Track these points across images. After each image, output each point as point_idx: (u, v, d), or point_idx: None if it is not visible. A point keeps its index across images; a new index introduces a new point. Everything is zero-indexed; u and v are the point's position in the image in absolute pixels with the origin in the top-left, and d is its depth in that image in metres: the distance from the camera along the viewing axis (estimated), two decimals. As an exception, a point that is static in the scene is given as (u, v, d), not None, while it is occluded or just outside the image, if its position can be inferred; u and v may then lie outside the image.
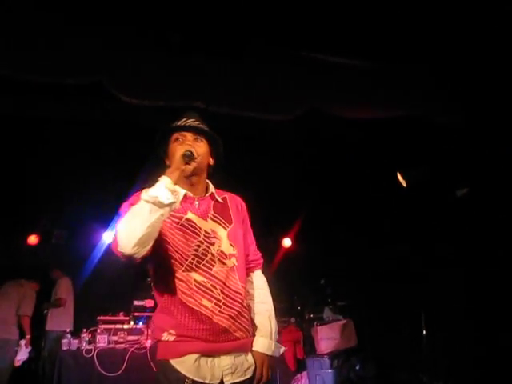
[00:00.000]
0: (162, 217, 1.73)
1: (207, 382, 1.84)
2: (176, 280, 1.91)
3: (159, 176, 1.79)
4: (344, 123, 4.16)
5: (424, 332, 4.93)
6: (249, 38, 3.63)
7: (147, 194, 1.72)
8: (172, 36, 3.52)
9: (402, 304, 5.49)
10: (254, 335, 2.03)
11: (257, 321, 2.08)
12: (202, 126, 2.05)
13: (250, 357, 1.98)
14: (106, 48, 3.40)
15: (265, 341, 2.02)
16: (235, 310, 1.93)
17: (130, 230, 1.71)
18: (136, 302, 6.07)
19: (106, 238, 6.60)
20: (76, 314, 6.48)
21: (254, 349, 1.99)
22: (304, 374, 6.22)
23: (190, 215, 1.97)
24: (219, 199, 2.08)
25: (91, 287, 6.59)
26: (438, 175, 5.16)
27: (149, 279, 2.00)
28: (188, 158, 1.86)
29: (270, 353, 2.01)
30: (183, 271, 1.90)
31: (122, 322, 5.85)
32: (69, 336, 5.48)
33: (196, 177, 2.01)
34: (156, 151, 2.12)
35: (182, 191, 1.85)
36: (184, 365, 1.84)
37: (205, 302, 1.88)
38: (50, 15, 3.22)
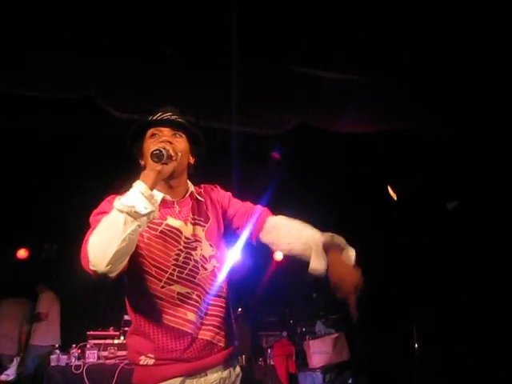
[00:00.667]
0: (138, 228, 1.48)
1: None
2: (153, 298, 1.69)
3: (133, 179, 1.55)
4: (334, 137, 4.18)
5: (416, 345, 4.91)
6: (240, 52, 3.65)
7: (120, 202, 1.47)
8: (164, 50, 3.53)
9: (394, 317, 5.48)
10: (236, 340, 1.84)
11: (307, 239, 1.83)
12: (180, 119, 1.80)
13: (236, 368, 1.81)
14: (96, 62, 3.40)
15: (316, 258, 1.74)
16: (218, 316, 1.75)
17: (102, 245, 1.46)
18: (126, 317, 5.99)
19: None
20: (65, 328, 6.40)
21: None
22: (296, 388, 6.17)
23: (170, 220, 1.74)
24: (199, 198, 1.85)
25: (81, 301, 6.51)
26: (429, 188, 5.19)
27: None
28: (157, 157, 1.57)
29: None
30: (161, 287, 1.68)
31: (112, 337, 5.77)
32: (57, 352, 5.41)
33: (176, 179, 1.75)
34: (129, 150, 1.87)
35: (159, 196, 1.66)
36: None
37: (190, 316, 1.69)
38: (39, 29, 3.21)
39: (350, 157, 5.26)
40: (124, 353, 5.62)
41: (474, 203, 4.96)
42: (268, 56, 3.75)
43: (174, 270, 1.70)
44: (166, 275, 1.69)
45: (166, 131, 1.76)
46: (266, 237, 1.86)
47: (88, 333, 5.71)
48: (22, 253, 6.84)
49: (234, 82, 3.51)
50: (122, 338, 5.78)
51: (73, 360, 5.35)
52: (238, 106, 3.55)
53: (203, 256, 1.76)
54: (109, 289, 6.48)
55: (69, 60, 3.38)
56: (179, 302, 1.70)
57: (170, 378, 1.65)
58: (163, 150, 1.58)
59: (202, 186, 1.94)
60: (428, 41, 3.68)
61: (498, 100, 4.11)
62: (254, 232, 1.86)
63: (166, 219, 1.75)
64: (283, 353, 6.31)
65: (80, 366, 5.25)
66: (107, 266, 1.46)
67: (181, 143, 1.76)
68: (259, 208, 1.92)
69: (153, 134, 1.77)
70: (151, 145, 1.71)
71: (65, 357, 5.37)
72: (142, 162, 1.81)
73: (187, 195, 1.83)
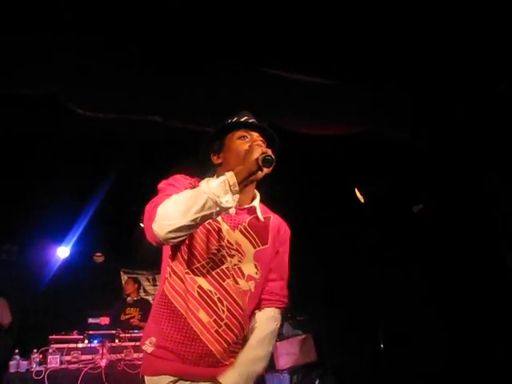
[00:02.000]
0: (212, 215, 1.50)
1: None
2: (177, 280, 1.67)
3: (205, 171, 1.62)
4: (302, 139, 4.19)
5: (382, 346, 4.97)
6: (208, 52, 3.61)
7: (208, 186, 1.48)
8: (130, 48, 3.46)
9: (360, 319, 5.53)
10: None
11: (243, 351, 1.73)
12: (266, 126, 1.81)
13: None
14: (60, 59, 3.30)
15: (233, 375, 1.65)
16: (234, 334, 1.67)
17: (174, 213, 1.47)
18: (91, 320, 5.88)
19: (60, 253, 6.39)
20: (26, 333, 6.22)
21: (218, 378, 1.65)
22: (263, 390, 6.16)
23: (220, 219, 1.73)
24: (260, 217, 1.82)
25: (43, 305, 6.34)
26: (395, 191, 5.27)
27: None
28: (268, 163, 1.56)
29: None
30: (187, 273, 1.66)
31: (76, 341, 5.62)
32: (17, 357, 5.23)
33: (249, 185, 1.75)
34: (206, 146, 1.85)
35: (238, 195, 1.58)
36: None
37: (201, 315, 1.63)
38: (4, 27, 3.10)
39: (317, 160, 5.29)
40: (88, 357, 5.49)
41: (439, 206, 5.06)
42: (237, 57, 3.73)
43: (207, 263, 1.67)
44: (198, 264, 1.66)
45: (255, 136, 1.77)
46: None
47: (50, 337, 5.55)
48: (-19, 254, 6.62)
49: (201, 83, 3.48)
50: (86, 341, 5.64)
51: (34, 365, 5.18)
52: (204, 106, 3.52)
53: (240, 269, 1.71)
54: (72, 291, 6.36)
55: (33, 57, 3.27)
56: (197, 296, 1.65)
57: (164, 374, 1.63)
58: (273, 158, 1.57)
59: (273, 212, 1.93)
60: (397, 43, 3.73)
61: (465, 105, 4.20)
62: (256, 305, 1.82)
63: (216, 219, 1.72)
64: (251, 355, 6.29)
65: (41, 371, 5.09)
66: (169, 233, 1.48)
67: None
68: (282, 288, 1.88)
69: (243, 136, 1.77)
70: (243, 145, 1.72)
71: (25, 362, 5.20)
72: (219, 160, 1.81)
73: (248, 206, 1.81)
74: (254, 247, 1.75)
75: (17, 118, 4.08)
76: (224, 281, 1.67)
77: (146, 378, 1.66)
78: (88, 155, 4.94)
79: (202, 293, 1.64)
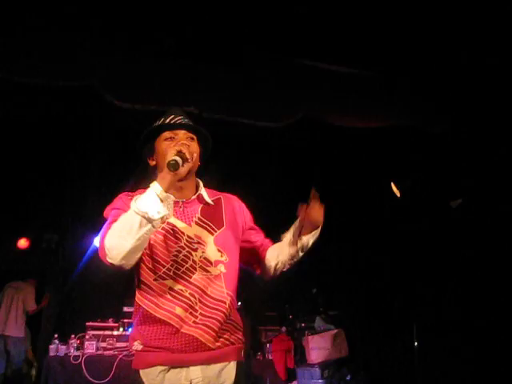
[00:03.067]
0: (152, 228, 1.59)
1: None
2: (146, 289, 1.79)
3: (146, 179, 1.64)
4: (337, 132, 4.15)
5: (416, 343, 4.89)
6: (243, 44, 3.62)
7: (136, 205, 1.56)
8: (166, 40, 3.50)
9: (394, 314, 5.46)
10: (240, 343, 1.87)
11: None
12: (192, 124, 1.88)
13: (228, 368, 1.80)
14: (98, 51, 3.37)
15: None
16: (214, 319, 1.77)
17: (118, 241, 1.60)
18: (126, 309, 5.99)
19: (96, 242, 6.54)
20: (64, 319, 6.41)
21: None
22: (294, 383, 6.16)
23: (172, 220, 1.80)
24: (209, 201, 1.89)
25: (81, 292, 6.51)
26: (433, 185, 5.16)
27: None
28: (173, 167, 1.61)
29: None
30: (154, 279, 1.77)
31: (111, 329, 5.77)
32: (56, 342, 5.40)
33: (185, 180, 1.80)
34: (139, 150, 1.95)
35: (171, 198, 1.65)
36: (148, 377, 1.74)
37: (178, 311, 1.75)
38: (43, 20, 3.19)
39: (353, 153, 5.23)
40: (123, 344, 5.62)
41: (478, 202, 4.92)
42: (272, 49, 3.71)
43: (172, 265, 1.77)
44: (163, 269, 1.77)
45: (182, 134, 1.85)
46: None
47: (87, 324, 5.71)
48: (23, 242, 6.84)
49: (237, 74, 3.48)
50: (121, 329, 5.78)
51: (72, 350, 5.35)
52: (240, 98, 3.52)
53: (206, 258, 1.81)
54: (108, 280, 6.50)
55: (72, 50, 3.35)
56: (169, 297, 1.77)
57: (155, 365, 1.74)
58: (178, 159, 1.64)
59: (222, 193, 2.00)
60: (435, 35, 3.65)
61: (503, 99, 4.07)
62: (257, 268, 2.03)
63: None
64: (282, 348, 6.30)
65: (79, 356, 5.25)
66: (122, 260, 1.61)
67: (195, 146, 1.84)
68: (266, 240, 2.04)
69: (169, 137, 1.84)
70: (169, 148, 1.76)
71: (63, 347, 5.37)
72: (153, 162, 1.91)
73: (194, 197, 1.88)
74: (212, 234, 1.85)
75: (55, 108, 4.19)
76: (191, 276, 1.78)
77: (140, 371, 1.76)
78: (124, 146, 5.03)
79: (174, 293, 1.76)
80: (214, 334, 1.76)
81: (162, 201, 1.58)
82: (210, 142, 1.94)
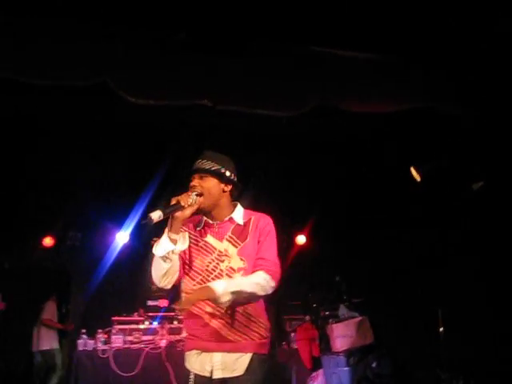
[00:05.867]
0: (171, 261, 2.15)
1: (201, 374, 2.22)
2: (188, 291, 2.24)
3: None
4: (355, 117, 4.10)
5: (441, 329, 4.83)
6: (254, 34, 3.58)
7: (155, 250, 2.14)
8: (176, 34, 3.49)
9: (418, 300, 5.40)
10: (261, 338, 2.28)
11: None
12: (205, 165, 2.29)
13: (243, 358, 2.22)
14: (110, 48, 3.38)
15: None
16: (233, 317, 2.21)
17: (153, 272, 2.22)
18: (150, 302, 6.09)
19: (120, 238, 6.63)
20: (91, 314, 6.53)
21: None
22: (320, 372, 6.16)
23: (208, 238, 2.33)
24: (240, 222, 2.34)
25: (105, 288, 6.62)
26: (453, 169, 5.06)
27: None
28: (149, 220, 2.02)
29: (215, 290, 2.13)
30: (193, 285, 2.27)
31: (137, 322, 5.87)
32: (84, 337, 5.52)
33: (212, 210, 2.30)
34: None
35: (183, 236, 2.18)
36: (189, 358, 2.30)
37: (208, 309, 2.21)
38: (53, 19, 3.21)
39: (372, 138, 5.16)
40: (149, 337, 5.72)
41: (501, 184, 4.82)
42: (284, 37, 3.67)
43: (205, 274, 2.28)
44: (200, 277, 2.28)
45: (196, 176, 2.31)
46: None
47: (113, 318, 5.81)
48: (48, 240, 6.96)
49: (249, 63, 3.46)
50: (146, 323, 5.87)
51: (99, 345, 5.47)
52: (254, 87, 3.50)
53: (231, 268, 2.27)
54: (131, 275, 6.59)
55: (83, 47, 3.37)
56: None
57: (192, 349, 2.29)
58: (147, 220, 2.05)
59: (255, 213, 2.41)
60: (450, 17, 3.56)
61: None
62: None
63: (205, 236, 2.34)
64: (306, 336, 6.31)
65: (106, 350, 5.37)
66: (160, 283, 2.23)
67: (206, 182, 2.29)
68: (268, 263, 2.30)
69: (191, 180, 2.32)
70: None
71: (91, 341, 5.50)
72: None
73: (226, 219, 2.34)
74: (236, 247, 2.30)
75: (70, 106, 4.23)
76: None
77: (185, 354, 2.33)
78: (143, 142, 5.08)
79: None
80: (233, 329, 2.22)
81: (171, 240, 2.13)
82: (227, 171, 2.32)
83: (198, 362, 2.25)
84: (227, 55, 3.50)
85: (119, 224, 6.56)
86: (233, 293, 2.10)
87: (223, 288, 2.09)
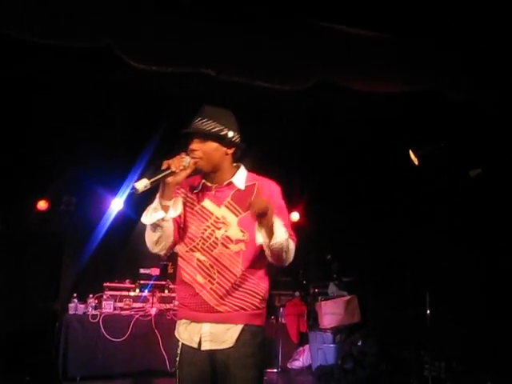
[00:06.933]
0: (161, 229, 2.04)
1: (188, 344, 2.11)
2: (180, 258, 2.19)
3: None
4: (356, 97, 4.07)
5: (428, 312, 4.91)
6: (261, 5, 3.53)
7: (144, 218, 2.05)
8: (183, 0, 3.42)
9: (407, 283, 5.47)
10: (255, 309, 2.14)
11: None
12: (206, 125, 2.11)
13: (233, 329, 2.09)
14: (115, 12, 3.32)
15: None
16: (224, 288, 2.10)
17: (146, 239, 2.12)
18: (142, 270, 6.12)
19: (114, 205, 6.62)
20: (83, 279, 6.56)
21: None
22: (306, 347, 6.28)
23: (205, 202, 2.17)
24: (241, 187, 2.17)
25: (98, 254, 6.64)
26: (451, 154, 5.07)
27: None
28: (134, 190, 1.92)
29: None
30: (187, 251, 2.15)
31: (128, 290, 5.92)
32: (75, 301, 5.56)
33: (213, 172, 2.15)
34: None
35: (175, 202, 2.07)
36: (178, 327, 2.19)
37: (198, 278, 2.12)
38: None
39: (370, 119, 5.14)
40: (139, 305, 5.78)
41: (498, 172, 4.83)
42: (290, 10, 3.61)
43: (200, 240, 2.13)
44: (193, 243, 2.14)
45: (195, 139, 2.12)
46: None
47: (104, 284, 5.84)
48: (42, 204, 6.94)
49: (255, 36, 3.41)
50: (137, 290, 5.91)
51: (90, 309, 5.51)
52: (258, 60, 3.46)
53: (227, 236, 2.11)
54: (125, 242, 6.61)
55: (88, 10, 3.31)
56: (196, 265, 2.14)
57: (182, 318, 2.18)
58: (133, 190, 1.93)
59: (261, 178, 2.24)
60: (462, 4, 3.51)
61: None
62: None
63: (202, 201, 2.17)
64: (295, 312, 6.40)
65: (97, 315, 5.42)
66: (154, 250, 2.13)
67: (205, 146, 2.12)
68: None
69: (189, 139, 2.15)
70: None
71: (82, 306, 5.54)
72: None
73: (226, 183, 2.17)
74: (237, 216, 2.13)
75: (71, 68, 4.17)
76: (212, 250, 2.11)
77: (176, 322, 2.22)
78: (145, 107, 5.02)
79: (198, 263, 2.13)
80: (221, 300, 2.10)
81: (163, 207, 2.01)
82: (230, 133, 2.14)
83: (186, 332, 2.12)
84: (233, 25, 3.45)
85: (114, 191, 6.55)
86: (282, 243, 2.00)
87: (284, 232, 2.00)
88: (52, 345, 5.71)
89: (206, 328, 2.09)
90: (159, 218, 2.01)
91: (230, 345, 2.07)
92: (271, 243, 2.03)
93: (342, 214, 6.52)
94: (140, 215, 2.08)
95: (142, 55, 3.29)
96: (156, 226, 2.03)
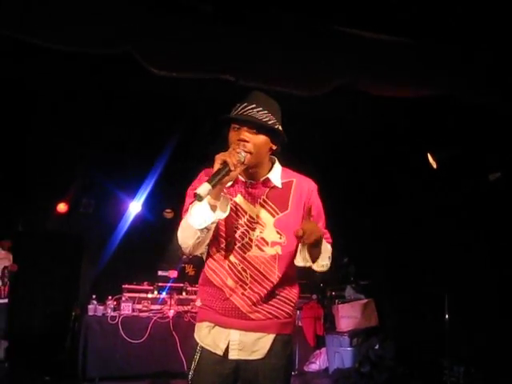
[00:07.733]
0: (208, 231, 1.83)
1: (211, 350, 1.94)
2: (210, 257, 2.01)
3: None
4: (371, 101, 4.06)
5: (447, 316, 4.87)
6: (282, 10, 3.54)
7: (192, 216, 1.81)
8: (203, 6, 3.45)
9: (425, 286, 5.43)
10: (288, 317, 1.99)
11: None
12: (261, 115, 1.89)
13: (265, 339, 1.94)
14: (135, 18, 3.35)
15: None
16: (259, 295, 1.93)
17: (183, 241, 1.89)
18: (160, 273, 6.18)
19: (133, 208, 6.71)
20: (101, 281, 6.65)
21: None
22: (323, 350, 6.27)
23: (238, 198, 1.96)
24: (278, 184, 1.97)
25: (117, 256, 6.72)
26: (471, 158, 5.02)
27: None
28: (198, 198, 1.70)
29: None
30: (218, 251, 1.97)
31: (146, 291, 5.98)
32: (94, 302, 5.63)
33: (253, 168, 1.92)
34: (221, 132, 2.01)
35: (225, 201, 1.84)
36: (199, 329, 2.00)
37: (229, 282, 1.94)
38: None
39: (389, 123, 5.11)
40: (157, 307, 5.84)
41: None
42: (309, 15, 3.62)
43: (231, 240, 1.94)
44: (225, 243, 1.95)
45: (247, 129, 1.88)
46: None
47: (123, 286, 5.91)
48: (62, 207, 7.06)
49: (275, 41, 3.42)
50: (155, 292, 5.97)
51: (109, 311, 5.58)
52: (277, 65, 3.47)
53: (262, 238, 1.94)
54: (144, 244, 6.68)
55: (108, 16, 3.35)
56: (227, 268, 1.96)
57: (204, 321, 1.99)
58: (203, 191, 1.71)
59: (297, 174, 2.05)
60: (478, 8, 3.47)
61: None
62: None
63: (235, 196, 1.96)
64: (312, 315, 6.40)
65: (115, 316, 5.48)
66: (188, 251, 1.91)
67: (257, 138, 1.88)
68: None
69: (236, 127, 1.91)
70: (232, 137, 1.90)
71: (101, 307, 5.61)
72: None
73: (262, 179, 1.96)
74: (273, 216, 1.95)
75: (91, 74, 4.22)
76: (245, 253, 1.93)
77: (196, 324, 2.04)
78: (159, 112, 5.07)
79: (230, 265, 1.95)
80: (254, 307, 1.93)
81: (212, 207, 1.79)
82: (280, 130, 1.95)
83: (210, 337, 1.95)
84: (254, 30, 3.46)
85: (132, 193, 6.63)
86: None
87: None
88: (72, 345, 5.80)
89: (236, 336, 1.92)
90: (214, 221, 1.81)
91: (261, 356, 1.92)
92: (315, 267, 1.97)
93: (360, 218, 6.50)
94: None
95: (162, 62, 3.32)
96: (204, 228, 1.81)
